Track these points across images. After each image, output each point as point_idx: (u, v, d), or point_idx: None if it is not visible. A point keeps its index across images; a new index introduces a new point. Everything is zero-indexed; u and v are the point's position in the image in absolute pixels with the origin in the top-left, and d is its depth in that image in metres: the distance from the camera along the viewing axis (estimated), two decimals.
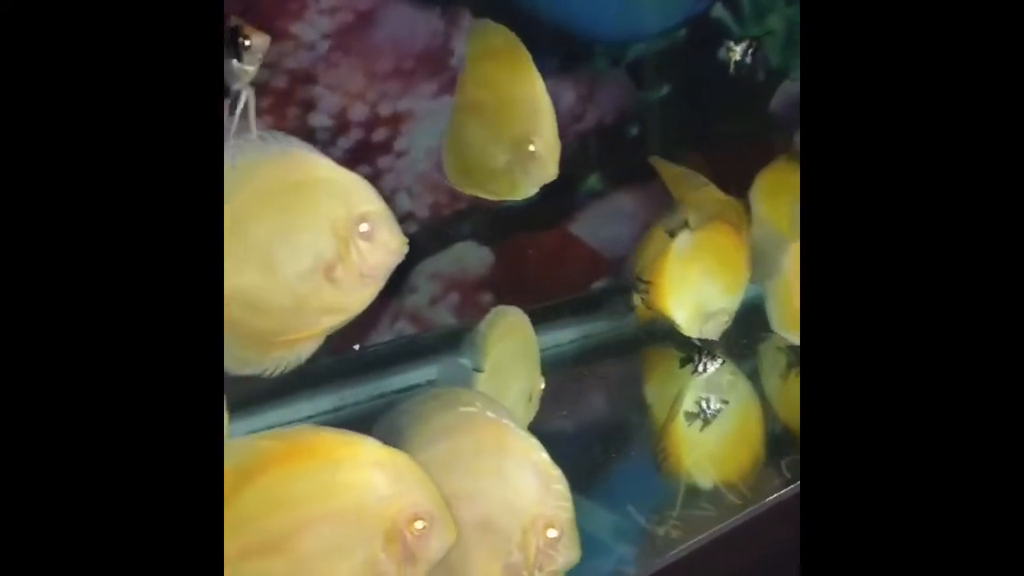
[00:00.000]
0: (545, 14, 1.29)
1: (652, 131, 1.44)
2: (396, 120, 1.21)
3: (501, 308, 1.02)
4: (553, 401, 1.00)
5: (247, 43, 0.70)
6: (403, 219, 1.28)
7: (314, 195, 0.74)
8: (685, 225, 1.24)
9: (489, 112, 1.01)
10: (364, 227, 0.74)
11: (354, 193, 0.75)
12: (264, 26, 0.73)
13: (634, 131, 1.43)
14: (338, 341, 0.82)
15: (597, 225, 1.43)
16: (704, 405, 1.22)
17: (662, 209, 1.38)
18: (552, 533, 0.78)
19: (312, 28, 1.12)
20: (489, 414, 0.83)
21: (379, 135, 1.20)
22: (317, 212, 0.74)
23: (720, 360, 1.23)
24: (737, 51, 1.21)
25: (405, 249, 0.76)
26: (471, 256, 1.33)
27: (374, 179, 1.23)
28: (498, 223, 1.33)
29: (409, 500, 0.72)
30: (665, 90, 1.43)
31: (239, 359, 0.77)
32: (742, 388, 1.31)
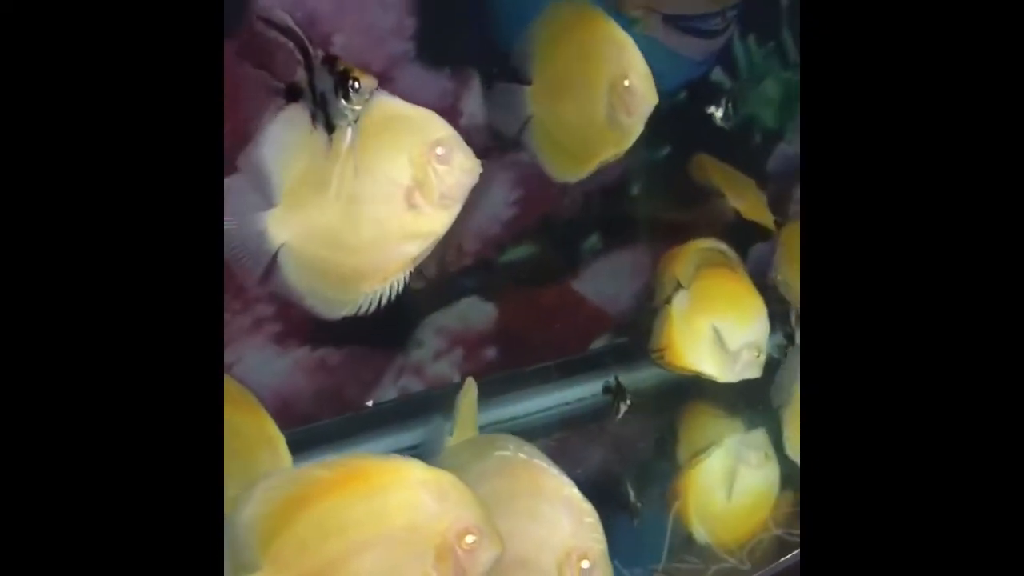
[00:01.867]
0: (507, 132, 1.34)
1: (653, 190, 1.47)
2: None
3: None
4: (561, 457, 1.03)
5: (356, 85, 0.73)
6: (410, 275, 1.31)
7: (389, 129, 0.77)
8: (677, 286, 1.28)
9: (576, 78, 1.04)
10: (440, 151, 0.77)
11: (427, 122, 0.79)
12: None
13: (636, 190, 1.46)
14: (353, 395, 0.84)
15: (598, 282, 1.45)
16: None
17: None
18: (585, 564, 0.83)
19: None
20: (522, 456, 0.88)
21: None
22: (394, 144, 0.77)
23: (629, 401, 1.24)
24: (719, 111, 1.25)
25: (479, 169, 0.79)
26: (476, 311, 1.35)
27: None
28: (502, 279, 1.36)
29: (457, 515, 0.74)
30: (666, 151, 1.47)
31: (332, 302, 0.79)
32: (771, 461, 1.31)
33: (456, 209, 0.79)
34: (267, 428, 0.92)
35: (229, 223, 0.76)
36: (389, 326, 1.31)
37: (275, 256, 0.78)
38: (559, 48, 1.06)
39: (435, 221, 0.79)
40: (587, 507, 0.85)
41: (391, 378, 1.30)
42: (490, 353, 1.37)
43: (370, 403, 1.25)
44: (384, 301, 0.80)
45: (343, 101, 0.74)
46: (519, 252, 1.37)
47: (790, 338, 1.32)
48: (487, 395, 1.23)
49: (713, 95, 1.42)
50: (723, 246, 1.34)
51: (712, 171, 1.45)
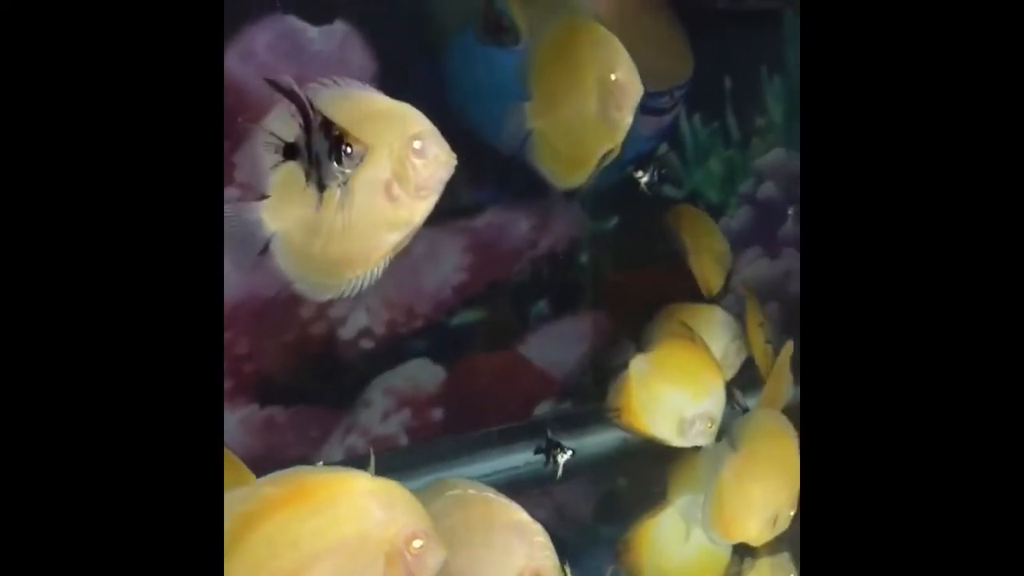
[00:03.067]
0: (505, 148, 1.38)
1: (601, 259, 1.52)
2: None
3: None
4: None
5: (349, 150, 0.77)
6: (360, 335, 1.33)
7: (372, 125, 0.80)
8: (636, 350, 1.31)
9: (568, 83, 1.09)
10: (417, 144, 0.80)
11: (405, 117, 0.82)
12: None
13: (584, 259, 1.50)
14: (300, 454, 0.85)
15: (545, 347, 1.49)
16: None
17: (607, 333, 1.46)
18: None
19: None
20: (471, 491, 0.93)
21: None
22: (374, 138, 0.80)
23: (570, 451, 1.26)
24: (644, 176, 1.30)
25: (454, 162, 0.81)
26: (424, 373, 1.37)
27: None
28: (452, 342, 1.39)
29: (404, 522, 0.77)
30: (613, 221, 1.52)
31: (318, 285, 0.83)
32: None
33: (433, 199, 0.82)
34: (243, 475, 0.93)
35: (227, 211, 0.79)
36: (338, 385, 1.33)
37: (267, 244, 0.82)
38: (552, 61, 1.11)
39: (413, 211, 0.82)
40: (536, 527, 0.91)
41: (338, 437, 1.32)
42: (437, 414, 1.39)
43: (320, 464, 1.26)
44: (365, 285, 0.83)
45: (335, 164, 0.78)
46: (469, 316, 1.41)
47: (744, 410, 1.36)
48: (433, 458, 1.25)
49: (648, 162, 1.47)
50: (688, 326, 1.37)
51: (684, 222, 1.48)
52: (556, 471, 1.26)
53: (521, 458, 1.40)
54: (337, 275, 0.83)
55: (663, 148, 1.55)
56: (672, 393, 1.28)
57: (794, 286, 1.75)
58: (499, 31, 1.30)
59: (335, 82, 0.81)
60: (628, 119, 1.07)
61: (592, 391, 1.48)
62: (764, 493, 1.19)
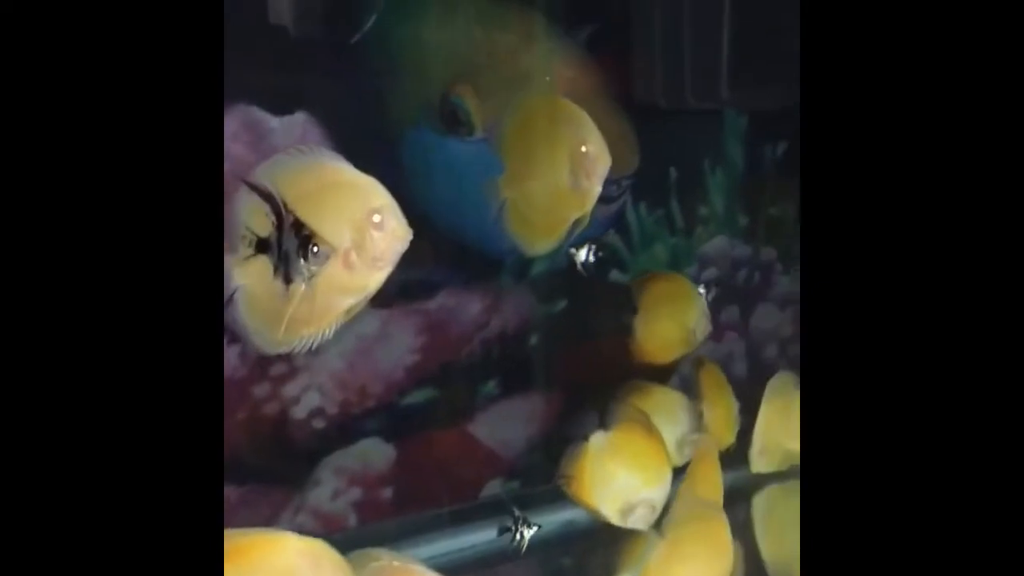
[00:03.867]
0: (460, 234, 1.43)
1: (550, 340, 1.56)
2: None
3: None
4: None
5: (315, 250, 0.83)
6: (313, 415, 1.36)
7: (335, 194, 0.85)
8: (599, 426, 1.35)
9: (541, 156, 1.14)
10: (376, 218, 0.84)
11: (368, 190, 0.86)
12: None
13: (533, 340, 1.55)
14: None
15: (494, 427, 1.52)
16: None
17: (555, 413, 1.50)
18: None
19: None
20: (396, 563, 0.95)
21: None
22: (336, 208, 0.84)
23: (536, 526, 1.28)
24: (579, 253, 1.34)
25: (410, 236, 0.85)
26: (375, 452, 1.40)
27: (288, 376, 1.33)
28: (403, 421, 1.41)
29: None
30: (563, 304, 1.56)
31: (272, 342, 0.86)
32: None
33: (388, 270, 0.86)
34: None
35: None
36: (289, 464, 1.34)
37: (233, 295, 0.86)
38: (524, 134, 1.16)
39: (368, 280, 0.86)
40: None
41: (288, 516, 1.32)
42: (387, 494, 1.41)
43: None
44: (316, 345, 0.87)
45: (302, 260, 0.83)
46: (420, 396, 1.44)
47: None
48: (381, 538, 1.26)
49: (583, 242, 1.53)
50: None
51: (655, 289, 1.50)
52: (521, 547, 1.28)
53: (468, 539, 1.43)
54: (291, 332, 0.86)
55: (611, 234, 1.62)
56: (624, 475, 1.32)
57: (738, 368, 1.82)
58: (454, 123, 1.36)
59: (309, 150, 0.87)
60: (597, 188, 1.13)
61: (540, 471, 1.51)
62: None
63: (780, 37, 1.56)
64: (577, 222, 1.15)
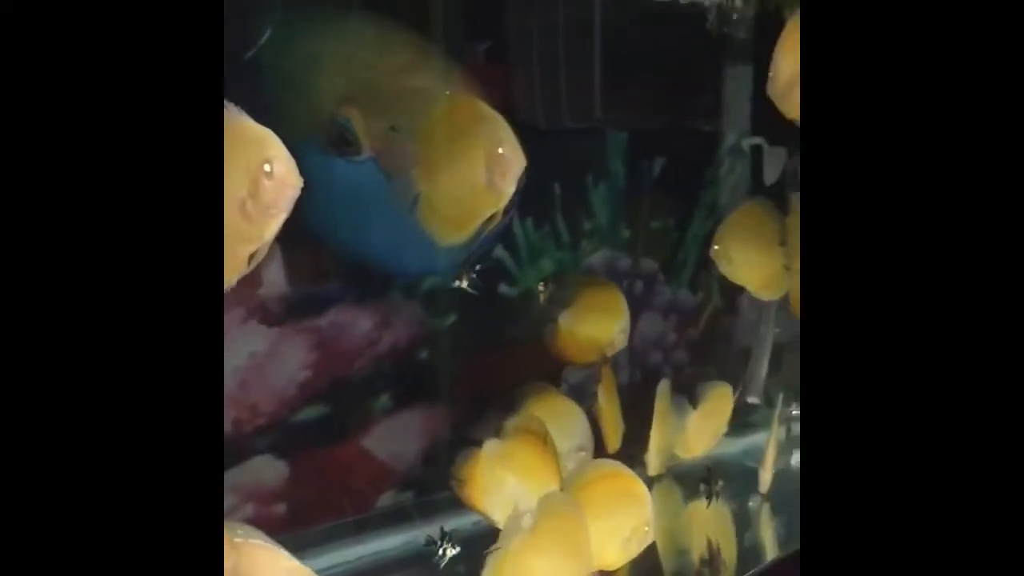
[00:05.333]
0: (349, 252, 1.46)
1: (440, 354, 1.60)
2: None
3: None
4: None
5: None
6: None
7: (233, 147, 0.86)
8: (494, 434, 1.39)
9: (456, 153, 1.18)
10: (267, 167, 0.87)
11: (262, 140, 0.89)
12: None
13: (424, 355, 1.58)
14: None
15: (388, 440, 1.55)
16: None
17: (449, 425, 1.54)
18: None
19: None
20: (252, 540, 0.95)
21: None
22: (232, 160, 0.85)
23: (458, 548, 1.31)
24: (462, 282, 1.38)
25: (300, 184, 0.89)
26: (267, 469, 1.41)
27: None
28: (295, 437, 1.43)
29: None
30: (452, 319, 1.60)
31: None
32: None
33: (281, 217, 0.90)
34: None
35: None
36: None
37: None
38: (438, 132, 1.20)
39: (264, 229, 0.89)
40: (306, 570, 0.95)
41: None
42: (280, 509, 1.42)
43: None
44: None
45: None
46: (312, 412, 1.45)
47: None
48: None
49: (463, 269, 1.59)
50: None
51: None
52: (441, 563, 1.31)
53: (354, 552, 1.46)
54: None
55: (499, 249, 1.67)
56: (513, 482, 1.37)
57: (623, 375, 1.89)
58: (342, 143, 1.39)
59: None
60: (512, 188, 1.18)
61: (433, 482, 1.55)
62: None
63: (651, 61, 1.65)
64: (490, 218, 1.20)
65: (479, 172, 1.18)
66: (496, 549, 1.21)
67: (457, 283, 1.34)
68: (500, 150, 1.18)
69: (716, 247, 1.56)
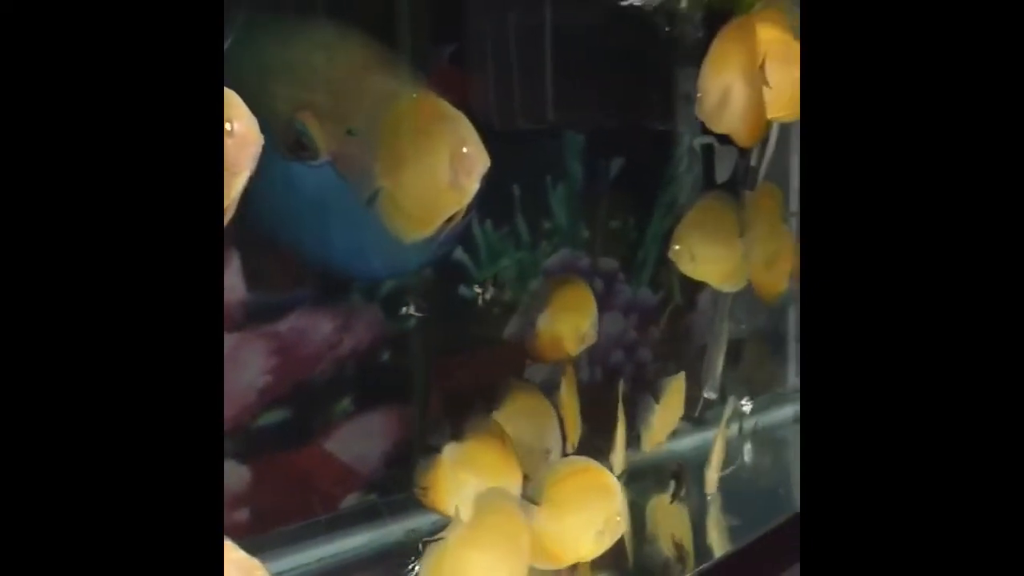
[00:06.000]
0: (308, 256, 1.47)
1: (401, 356, 1.61)
2: None
3: None
4: None
5: None
6: None
7: None
8: (451, 437, 1.41)
9: (420, 151, 1.18)
10: (228, 126, 0.86)
11: (228, 102, 0.87)
12: None
13: (385, 357, 1.59)
14: None
15: (350, 443, 1.55)
16: None
17: (411, 427, 1.55)
18: None
19: None
20: None
21: None
22: None
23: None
24: (409, 309, 1.40)
25: (261, 140, 0.88)
26: (230, 475, 1.41)
27: None
28: (257, 442, 1.43)
29: None
30: (413, 321, 1.62)
31: None
32: None
33: (245, 175, 0.89)
34: None
35: None
36: None
37: None
38: (400, 129, 1.20)
39: (230, 187, 0.88)
40: (254, 562, 0.93)
41: None
42: (243, 515, 1.42)
43: None
44: None
45: None
46: (273, 417, 1.46)
47: None
48: None
49: (459, 273, 1.60)
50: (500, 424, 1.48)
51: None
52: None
53: (315, 554, 1.47)
54: None
55: (459, 251, 1.68)
56: (475, 484, 1.39)
57: (585, 373, 1.91)
58: (299, 148, 1.39)
59: None
60: (475, 186, 1.19)
61: (397, 483, 1.56)
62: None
63: (604, 63, 1.67)
64: (452, 216, 1.21)
65: (443, 171, 1.19)
66: (439, 539, 1.22)
67: (404, 309, 1.35)
68: (464, 149, 1.19)
69: (677, 247, 1.58)
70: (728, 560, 1.36)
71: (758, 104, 1.37)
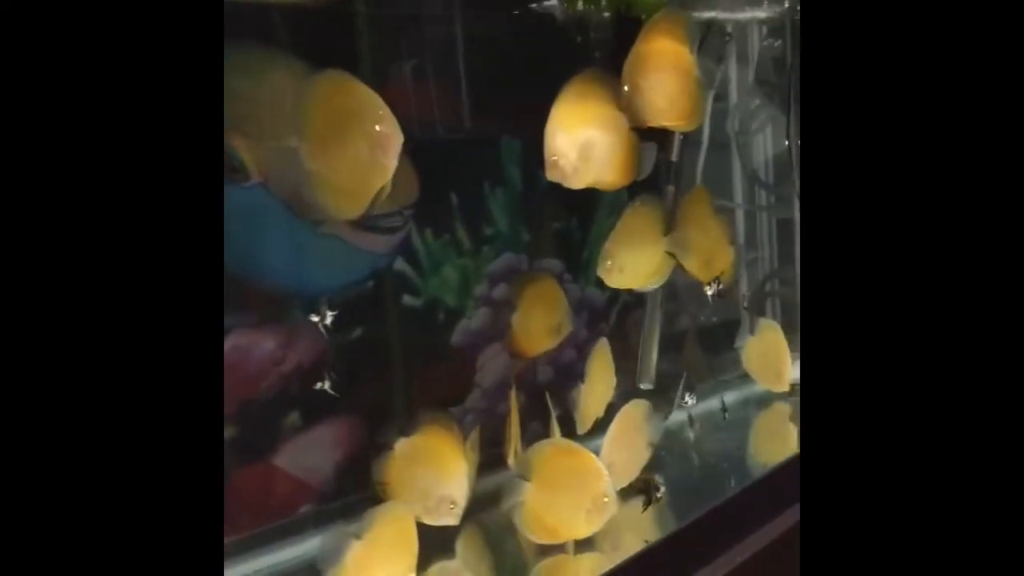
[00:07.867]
0: (247, 276, 1.49)
1: (347, 369, 1.63)
2: None
3: None
4: None
5: None
6: None
7: None
8: (400, 433, 1.44)
9: (342, 131, 1.23)
10: (375, 128, 1.00)
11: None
12: None
13: (331, 370, 1.61)
14: None
15: (299, 456, 1.58)
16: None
17: (360, 435, 1.58)
18: None
19: None
20: None
21: None
22: None
23: None
24: (326, 316, 1.42)
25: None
26: None
27: None
28: None
29: None
30: (358, 332, 1.64)
31: None
32: None
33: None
34: None
35: None
36: None
37: None
38: (321, 111, 1.23)
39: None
40: None
41: None
42: None
43: None
44: None
45: None
46: None
47: None
48: None
49: (401, 284, 1.63)
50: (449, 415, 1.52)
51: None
52: None
53: (271, 559, 1.51)
54: None
55: (399, 262, 1.71)
56: (423, 475, 1.44)
57: (540, 372, 1.94)
58: (230, 171, 1.42)
59: None
60: (394, 163, 1.24)
61: (351, 489, 1.59)
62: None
63: (517, 71, 1.70)
64: (381, 190, 1.25)
65: (362, 149, 1.24)
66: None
67: (316, 318, 1.38)
68: (378, 128, 1.24)
69: (608, 262, 1.61)
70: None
71: (625, 147, 1.44)
